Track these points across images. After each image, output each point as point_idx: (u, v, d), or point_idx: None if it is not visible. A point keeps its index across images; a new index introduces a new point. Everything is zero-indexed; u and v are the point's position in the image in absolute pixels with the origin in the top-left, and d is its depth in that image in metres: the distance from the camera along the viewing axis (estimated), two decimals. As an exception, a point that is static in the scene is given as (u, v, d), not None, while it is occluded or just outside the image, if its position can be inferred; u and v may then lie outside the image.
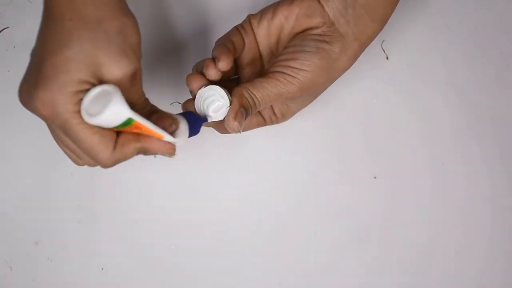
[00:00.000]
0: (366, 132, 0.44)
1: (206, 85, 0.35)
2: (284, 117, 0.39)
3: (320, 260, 0.42)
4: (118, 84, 0.29)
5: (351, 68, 0.37)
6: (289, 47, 0.36)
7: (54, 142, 0.44)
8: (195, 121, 0.34)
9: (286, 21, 0.36)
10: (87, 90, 0.28)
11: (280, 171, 0.44)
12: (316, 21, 0.35)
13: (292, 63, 0.35)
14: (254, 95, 0.35)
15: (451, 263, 0.42)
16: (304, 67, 0.34)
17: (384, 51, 0.45)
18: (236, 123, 0.35)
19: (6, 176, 0.44)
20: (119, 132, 0.30)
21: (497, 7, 0.46)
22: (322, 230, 0.43)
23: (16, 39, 0.46)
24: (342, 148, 0.44)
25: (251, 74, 0.39)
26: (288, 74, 0.35)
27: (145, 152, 0.32)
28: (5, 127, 0.45)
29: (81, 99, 0.28)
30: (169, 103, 0.43)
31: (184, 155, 0.44)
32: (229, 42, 0.36)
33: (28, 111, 0.30)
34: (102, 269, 0.43)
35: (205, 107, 0.35)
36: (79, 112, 0.28)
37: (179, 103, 0.36)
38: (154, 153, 0.32)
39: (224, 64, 0.34)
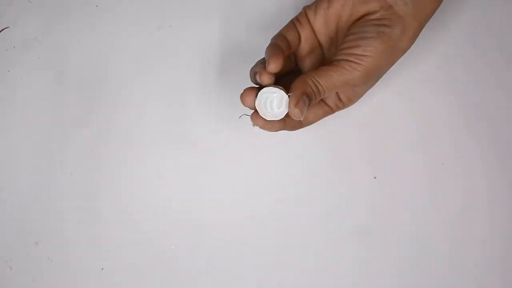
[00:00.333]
0: (366, 132, 0.44)
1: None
2: (351, 101, 0.40)
3: (320, 260, 0.42)
4: None
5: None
6: (350, 35, 0.36)
7: (54, 141, 0.45)
8: None
9: (343, 9, 0.37)
10: None
11: (280, 171, 0.44)
12: (373, 5, 0.36)
13: (355, 51, 0.35)
14: (319, 82, 0.35)
15: (451, 263, 0.42)
16: (367, 53, 0.35)
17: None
18: (297, 110, 0.35)
19: (6, 176, 0.44)
20: None
21: (497, 7, 0.46)
22: (322, 229, 0.43)
23: (16, 39, 0.46)
24: (342, 148, 0.44)
25: (311, 64, 0.40)
26: (353, 62, 0.35)
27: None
28: (5, 127, 0.45)
29: None
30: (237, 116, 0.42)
31: (184, 155, 0.44)
32: (282, 39, 0.37)
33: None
34: (102, 269, 0.43)
35: (268, 108, 0.36)
36: None
37: (247, 115, 0.37)
38: None
39: (274, 67, 0.35)
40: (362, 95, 0.40)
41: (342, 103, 0.40)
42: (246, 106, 0.37)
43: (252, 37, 0.46)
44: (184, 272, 0.43)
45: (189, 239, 0.43)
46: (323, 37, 0.39)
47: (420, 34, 0.43)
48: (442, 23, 0.45)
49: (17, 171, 0.44)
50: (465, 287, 0.42)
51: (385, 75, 0.40)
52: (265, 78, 0.35)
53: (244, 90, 0.36)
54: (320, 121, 0.44)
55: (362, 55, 0.35)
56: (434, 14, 0.38)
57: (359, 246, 0.43)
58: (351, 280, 0.42)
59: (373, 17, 0.36)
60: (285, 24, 0.39)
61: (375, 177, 0.43)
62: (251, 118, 0.37)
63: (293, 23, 0.39)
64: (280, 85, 0.36)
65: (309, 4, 0.39)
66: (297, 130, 0.42)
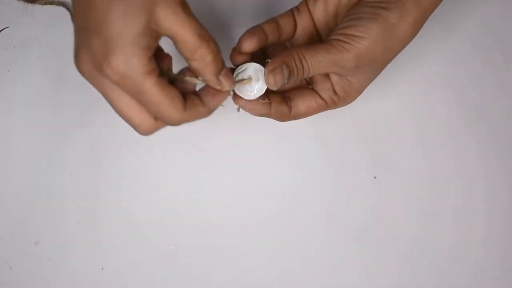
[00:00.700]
0: (366, 132, 0.44)
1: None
2: (348, 95, 0.37)
3: (319, 260, 0.42)
4: (176, 26, 0.29)
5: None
6: (346, 16, 0.35)
7: (54, 142, 0.45)
8: None
9: None
10: (154, 41, 0.29)
11: (280, 171, 0.44)
12: None
13: (347, 31, 0.33)
14: (304, 57, 0.33)
15: (451, 263, 0.42)
16: (359, 33, 0.33)
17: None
18: (271, 76, 0.33)
19: (6, 176, 0.44)
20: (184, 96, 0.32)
21: (497, 7, 0.46)
22: (321, 229, 0.43)
23: (16, 39, 0.46)
24: (342, 148, 0.44)
25: None
26: (344, 41, 0.33)
27: (210, 111, 0.34)
28: (5, 127, 0.45)
29: (150, 56, 0.29)
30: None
31: (184, 155, 0.44)
32: (271, 23, 0.36)
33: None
34: (102, 269, 0.43)
35: (246, 86, 0.34)
36: (151, 72, 0.29)
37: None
38: (217, 105, 0.34)
39: (245, 45, 0.34)
40: (359, 89, 0.37)
41: (338, 97, 0.37)
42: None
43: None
44: (184, 272, 0.42)
45: (189, 239, 0.43)
46: (322, 26, 0.38)
47: (420, 34, 0.43)
48: (442, 23, 0.45)
49: (17, 171, 0.44)
50: (464, 286, 0.42)
51: (385, 74, 0.40)
52: (237, 57, 0.34)
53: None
54: (320, 121, 0.44)
55: (354, 35, 0.33)
56: (434, 14, 0.37)
57: (359, 245, 0.42)
58: (351, 280, 0.42)
59: None
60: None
61: (375, 177, 0.43)
62: (232, 99, 0.35)
63: (291, 11, 0.38)
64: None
65: None
66: (297, 129, 0.42)
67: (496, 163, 0.43)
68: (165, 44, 0.31)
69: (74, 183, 0.44)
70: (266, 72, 0.34)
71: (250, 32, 0.35)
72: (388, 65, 0.37)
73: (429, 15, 0.34)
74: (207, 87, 0.34)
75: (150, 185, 0.44)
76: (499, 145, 0.44)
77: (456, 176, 0.43)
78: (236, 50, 0.35)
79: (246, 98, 0.35)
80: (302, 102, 0.37)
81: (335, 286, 0.42)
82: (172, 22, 0.29)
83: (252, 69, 0.34)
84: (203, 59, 0.31)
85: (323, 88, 0.37)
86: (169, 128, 0.37)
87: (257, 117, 0.36)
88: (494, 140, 0.44)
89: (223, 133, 0.44)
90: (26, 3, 0.46)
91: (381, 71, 0.37)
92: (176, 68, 0.34)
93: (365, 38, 0.32)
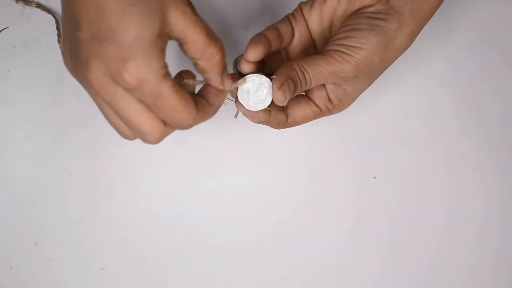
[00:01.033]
0: (366, 132, 0.44)
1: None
2: (342, 103, 0.37)
3: (319, 260, 0.42)
4: (186, 27, 0.29)
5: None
6: (343, 27, 0.35)
7: (54, 142, 0.45)
8: None
9: (339, 3, 0.36)
10: (165, 44, 0.29)
11: (280, 171, 0.44)
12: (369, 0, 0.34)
13: (346, 41, 0.33)
14: (306, 70, 0.34)
15: (450, 263, 0.42)
16: (359, 44, 0.33)
17: (384, 51, 0.45)
18: (280, 93, 0.33)
19: (6, 176, 0.44)
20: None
21: (497, 7, 0.46)
22: (321, 229, 0.43)
23: (16, 39, 0.46)
24: (342, 148, 0.44)
25: None
26: (343, 52, 0.33)
27: (215, 111, 0.34)
28: (5, 127, 0.45)
29: (164, 59, 0.29)
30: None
31: (184, 155, 0.44)
32: (273, 30, 0.36)
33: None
34: (102, 269, 0.43)
35: (251, 97, 0.34)
36: (167, 75, 0.29)
37: (231, 99, 0.36)
38: (221, 104, 0.34)
39: (251, 55, 0.34)
40: (353, 97, 0.37)
41: (332, 105, 0.37)
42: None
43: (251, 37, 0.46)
44: (184, 272, 0.42)
45: (189, 240, 0.43)
46: (317, 35, 0.38)
47: (420, 34, 0.43)
48: (442, 23, 0.45)
49: (17, 171, 0.44)
50: (464, 286, 0.42)
51: (385, 74, 0.40)
52: (245, 66, 0.34)
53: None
54: (320, 121, 0.44)
55: (353, 46, 0.33)
56: (435, 14, 0.37)
57: (359, 245, 0.42)
58: (351, 280, 0.42)
59: (368, 10, 0.34)
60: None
61: (375, 177, 0.43)
62: (236, 105, 0.36)
63: (288, 18, 0.37)
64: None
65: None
66: (296, 130, 0.42)
67: (496, 163, 0.43)
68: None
69: (74, 183, 0.44)
70: (274, 89, 0.34)
71: (256, 40, 0.35)
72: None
73: (424, 25, 0.35)
74: (207, 88, 0.34)
75: (150, 185, 0.44)
76: (499, 145, 0.44)
77: (456, 176, 0.43)
78: (243, 59, 0.35)
79: (249, 109, 0.35)
80: (298, 110, 0.37)
81: (335, 286, 0.42)
82: (183, 23, 0.29)
83: (257, 82, 0.34)
84: (211, 58, 0.31)
85: (318, 96, 0.37)
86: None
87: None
88: (494, 140, 0.44)
89: (224, 133, 0.44)
90: (22, 4, 0.46)
91: (375, 79, 0.37)
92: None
93: (365, 49, 0.33)
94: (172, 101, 0.29)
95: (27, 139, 0.45)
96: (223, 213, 0.43)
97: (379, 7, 0.34)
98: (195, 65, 0.32)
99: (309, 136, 0.44)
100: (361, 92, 0.37)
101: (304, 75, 0.34)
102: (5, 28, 0.46)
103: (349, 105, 0.38)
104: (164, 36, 0.29)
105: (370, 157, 0.44)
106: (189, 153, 0.44)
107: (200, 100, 0.33)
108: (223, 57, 0.32)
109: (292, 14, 0.38)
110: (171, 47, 0.30)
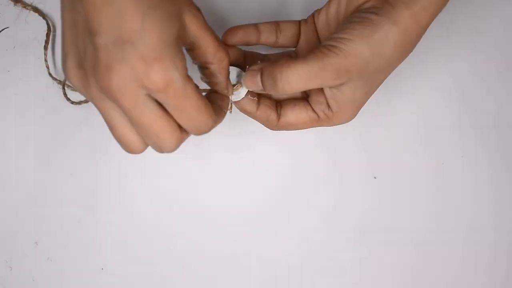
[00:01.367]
0: (366, 132, 0.44)
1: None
2: (341, 109, 0.35)
3: (320, 260, 0.42)
4: (199, 30, 0.30)
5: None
6: (339, 26, 0.34)
7: (54, 142, 0.45)
8: None
9: (339, 5, 0.35)
10: (182, 46, 0.29)
11: (280, 171, 0.44)
12: None
13: (335, 35, 0.32)
14: (281, 70, 0.32)
15: (450, 263, 0.42)
16: (347, 35, 0.31)
17: (384, 51, 0.45)
18: (249, 78, 0.34)
19: (6, 176, 0.44)
20: None
21: (497, 8, 0.46)
22: (321, 229, 0.43)
23: (16, 39, 0.46)
24: (342, 148, 0.44)
25: None
26: (331, 45, 0.32)
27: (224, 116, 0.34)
28: (5, 127, 0.45)
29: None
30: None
31: (184, 155, 0.44)
32: (271, 24, 0.37)
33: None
34: (102, 269, 0.43)
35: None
36: (189, 77, 0.29)
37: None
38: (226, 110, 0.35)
39: (228, 37, 0.36)
40: (353, 102, 0.35)
41: (331, 112, 0.35)
42: None
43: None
44: (184, 272, 0.42)
45: (189, 239, 0.43)
46: (325, 39, 0.37)
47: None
48: (442, 23, 0.45)
49: (17, 171, 0.44)
50: (464, 286, 0.42)
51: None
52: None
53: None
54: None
55: (341, 38, 0.31)
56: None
57: (359, 245, 0.43)
58: (351, 280, 0.42)
59: (364, 6, 0.33)
60: None
61: (375, 177, 0.43)
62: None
63: (298, 21, 0.38)
64: None
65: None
66: (296, 131, 0.42)
67: (496, 163, 0.43)
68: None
69: (74, 183, 0.44)
70: (244, 77, 0.34)
71: (237, 26, 0.36)
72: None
73: (426, 25, 0.33)
74: (213, 94, 0.35)
75: (150, 185, 0.44)
76: (499, 145, 0.44)
77: (456, 176, 0.43)
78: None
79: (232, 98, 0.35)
80: (291, 111, 0.36)
81: (335, 286, 0.42)
82: (197, 27, 0.30)
83: (234, 73, 0.35)
84: (221, 62, 0.32)
85: (316, 101, 0.36)
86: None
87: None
88: (494, 140, 0.44)
89: (224, 133, 0.44)
90: (20, 6, 0.46)
91: (377, 83, 0.35)
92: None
93: (352, 40, 0.31)
94: (196, 102, 0.29)
95: (27, 139, 0.45)
96: (223, 213, 0.43)
97: (374, 2, 0.33)
98: (204, 69, 0.33)
99: (309, 136, 0.44)
100: (362, 97, 0.35)
101: (281, 74, 0.32)
102: (5, 28, 0.46)
103: (352, 113, 0.36)
104: (181, 39, 0.29)
105: (370, 157, 0.44)
106: (189, 153, 0.44)
107: (212, 104, 0.33)
108: (229, 61, 0.33)
109: (305, 19, 0.38)
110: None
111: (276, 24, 0.37)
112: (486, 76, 0.45)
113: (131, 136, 0.31)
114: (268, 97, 0.37)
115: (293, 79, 0.32)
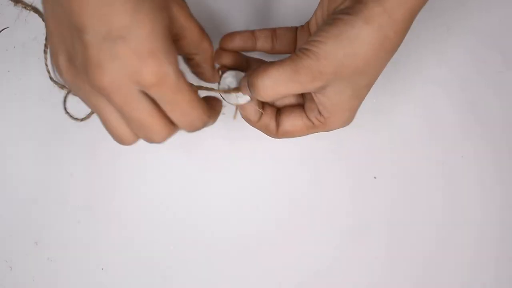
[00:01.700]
0: (366, 132, 0.44)
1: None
2: (331, 114, 0.34)
3: (319, 260, 0.42)
4: (186, 21, 0.30)
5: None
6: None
7: (54, 142, 0.45)
8: None
9: (323, 9, 0.35)
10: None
11: (280, 172, 0.44)
12: None
13: (310, 38, 0.32)
14: (258, 77, 0.32)
15: (450, 263, 0.42)
16: (318, 38, 0.31)
17: (384, 51, 0.45)
18: (241, 85, 0.34)
19: (6, 176, 0.44)
20: None
21: (497, 8, 0.46)
22: (321, 229, 0.43)
23: (16, 39, 0.46)
24: (342, 148, 0.44)
25: None
26: (305, 48, 0.31)
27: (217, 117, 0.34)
28: (5, 127, 0.45)
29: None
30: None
31: (184, 155, 0.44)
32: (268, 30, 0.37)
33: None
34: (102, 269, 0.43)
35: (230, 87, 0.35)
36: (180, 70, 0.28)
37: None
38: (218, 115, 0.34)
39: (225, 43, 0.36)
40: (341, 106, 0.34)
41: (323, 118, 0.35)
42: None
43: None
44: (184, 272, 0.42)
45: (189, 240, 0.43)
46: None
47: (420, 34, 0.43)
48: (441, 23, 0.45)
49: (17, 171, 0.44)
50: (464, 285, 0.42)
51: (385, 74, 0.40)
52: (220, 55, 0.36)
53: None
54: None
55: (313, 41, 0.31)
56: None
57: (359, 246, 0.43)
58: (351, 280, 0.42)
59: (339, 7, 0.33)
60: None
61: (375, 177, 0.43)
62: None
63: (295, 27, 0.38)
64: None
65: None
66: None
67: (496, 163, 0.43)
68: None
69: (74, 183, 0.44)
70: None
71: (234, 32, 0.36)
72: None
73: (404, 20, 0.31)
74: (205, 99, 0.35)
75: (150, 185, 0.44)
76: (499, 145, 0.44)
77: (456, 176, 0.43)
78: (219, 49, 0.36)
79: (232, 102, 0.35)
80: (288, 119, 0.36)
81: (335, 286, 0.42)
82: (183, 17, 0.30)
83: (234, 77, 0.35)
84: (206, 52, 0.32)
85: (309, 108, 0.36)
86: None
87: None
88: (494, 140, 0.44)
89: (224, 133, 0.44)
90: (20, 7, 0.46)
91: (362, 85, 0.34)
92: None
93: (324, 42, 0.31)
94: (189, 96, 0.29)
95: (27, 139, 0.45)
96: (223, 214, 0.43)
97: (347, 3, 0.32)
98: (190, 60, 0.33)
99: (309, 136, 0.44)
100: (349, 100, 0.34)
101: (257, 80, 0.32)
102: (5, 28, 0.46)
103: (343, 118, 0.35)
104: (171, 31, 0.29)
105: (370, 157, 0.44)
106: (189, 153, 0.44)
107: (205, 100, 0.33)
108: (213, 51, 0.33)
109: (302, 25, 0.38)
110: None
111: (273, 31, 0.37)
112: (486, 76, 0.45)
113: (123, 129, 0.30)
114: (269, 105, 0.37)
115: (269, 84, 0.32)
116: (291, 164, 0.44)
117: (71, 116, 0.44)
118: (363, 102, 0.42)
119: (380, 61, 0.32)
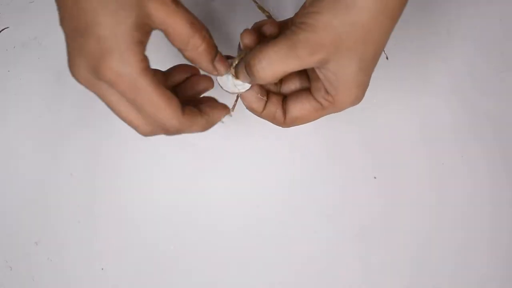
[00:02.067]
0: (366, 132, 0.44)
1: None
2: (338, 92, 0.33)
3: (319, 260, 0.42)
4: (167, 17, 0.29)
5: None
6: None
7: (54, 142, 0.45)
8: None
9: None
10: (146, 36, 0.28)
11: (280, 171, 0.44)
12: None
13: (305, 10, 0.30)
14: (262, 54, 0.31)
15: (450, 263, 0.42)
16: (314, 8, 0.29)
17: (384, 51, 0.45)
18: (239, 71, 0.33)
19: (6, 176, 0.44)
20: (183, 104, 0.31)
21: (497, 8, 0.46)
22: (321, 229, 0.43)
23: (16, 39, 0.46)
24: (342, 148, 0.44)
25: None
26: (300, 22, 0.30)
27: (208, 123, 0.33)
28: (5, 127, 0.45)
29: (143, 52, 0.28)
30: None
31: (184, 155, 0.44)
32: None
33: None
34: (102, 269, 0.43)
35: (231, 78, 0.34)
36: (147, 69, 0.28)
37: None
38: (216, 118, 0.33)
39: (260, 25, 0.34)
40: (348, 82, 0.32)
41: (331, 97, 0.33)
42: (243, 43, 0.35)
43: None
44: (184, 272, 0.42)
45: (189, 239, 0.43)
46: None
47: (420, 34, 0.43)
48: (442, 23, 0.45)
49: (17, 171, 0.44)
50: (464, 285, 0.42)
51: (385, 74, 0.40)
52: (246, 37, 0.34)
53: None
54: (320, 121, 0.44)
55: (308, 12, 0.30)
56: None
57: (359, 245, 0.43)
58: (350, 280, 0.42)
59: None
60: None
61: (375, 177, 0.43)
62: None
63: None
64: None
65: None
66: (296, 129, 0.42)
67: (496, 163, 0.43)
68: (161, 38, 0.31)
69: (74, 183, 0.44)
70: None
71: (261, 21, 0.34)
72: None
73: None
74: (204, 98, 0.34)
75: (150, 185, 0.44)
76: (499, 144, 0.44)
77: (456, 176, 0.43)
78: (246, 31, 0.34)
79: (229, 91, 0.34)
80: (295, 105, 0.35)
81: (335, 286, 0.42)
82: (164, 14, 0.28)
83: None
84: (196, 48, 0.30)
85: (316, 88, 0.34)
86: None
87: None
88: (494, 140, 0.44)
89: (224, 133, 0.44)
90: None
91: (367, 57, 0.32)
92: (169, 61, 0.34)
93: (319, 12, 0.29)
94: (151, 97, 0.28)
95: (27, 139, 0.45)
96: (223, 213, 0.43)
97: None
98: (183, 55, 0.32)
99: (309, 136, 0.44)
100: (355, 75, 0.32)
101: (254, 60, 0.31)
102: (5, 28, 0.46)
103: (352, 95, 0.33)
104: (143, 28, 0.28)
105: (370, 157, 0.44)
106: (189, 153, 0.44)
107: (190, 108, 0.32)
108: (209, 45, 0.31)
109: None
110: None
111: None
112: (486, 77, 0.45)
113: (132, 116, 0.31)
114: (275, 94, 0.36)
115: (266, 64, 0.31)
116: (291, 164, 0.44)
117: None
118: (364, 102, 0.42)
119: (381, 29, 0.31)
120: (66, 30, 0.29)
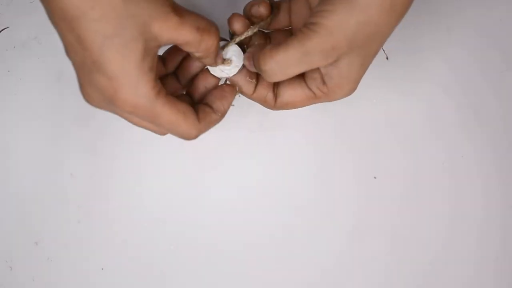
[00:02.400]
0: (366, 132, 0.44)
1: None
2: (337, 86, 0.32)
3: (319, 260, 0.42)
4: (174, 33, 0.29)
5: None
6: None
7: (54, 142, 0.45)
8: None
9: None
10: (155, 58, 0.29)
11: (280, 171, 0.44)
12: None
13: (317, 8, 0.29)
14: (274, 60, 0.31)
15: (450, 263, 0.42)
16: (327, 7, 0.28)
17: (384, 51, 0.45)
18: (246, 63, 0.34)
19: (6, 176, 0.44)
20: (195, 106, 0.33)
21: (497, 8, 0.46)
22: (321, 229, 0.43)
23: (16, 39, 0.46)
24: (342, 148, 0.44)
25: None
26: (312, 22, 0.29)
27: (223, 115, 0.34)
28: (5, 127, 0.45)
29: (155, 76, 0.29)
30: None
31: (185, 155, 0.44)
32: (283, 2, 0.36)
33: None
34: (102, 269, 0.43)
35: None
36: (159, 93, 0.29)
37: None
38: (227, 108, 0.34)
39: (249, 6, 0.34)
40: (350, 78, 0.32)
41: (327, 88, 0.33)
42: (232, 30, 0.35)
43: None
44: (184, 272, 0.42)
45: (189, 239, 0.43)
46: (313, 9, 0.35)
47: (420, 34, 0.43)
48: (442, 23, 0.45)
49: (17, 171, 0.44)
50: (465, 286, 0.42)
51: (385, 74, 0.40)
52: (234, 20, 0.34)
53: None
54: (320, 120, 0.44)
55: (320, 11, 0.29)
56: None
57: (359, 246, 0.43)
58: (350, 280, 0.42)
59: None
60: None
61: (375, 177, 0.43)
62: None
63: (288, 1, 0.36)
64: None
65: None
66: (296, 130, 0.42)
67: (496, 163, 0.43)
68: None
69: (74, 183, 0.44)
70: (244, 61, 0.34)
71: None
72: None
73: None
74: (211, 94, 0.35)
75: (150, 185, 0.44)
76: (499, 145, 0.44)
77: (456, 176, 0.43)
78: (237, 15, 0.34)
79: (216, 75, 0.35)
80: (286, 90, 0.34)
81: (334, 286, 0.42)
82: (169, 30, 0.28)
83: (232, 51, 0.34)
84: (207, 50, 0.31)
85: (311, 77, 0.33)
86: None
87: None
88: (494, 140, 0.44)
89: (224, 133, 0.44)
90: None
91: (371, 54, 0.32)
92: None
93: (333, 11, 0.28)
94: (168, 117, 0.30)
95: (27, 139, 0.45)
96: (223, 213, 0.43)
97: None
98: (191, 54, 0.32)
99: (309, 136, 0.44)
100: (358, 71, 0.32)
101: (265, 62, 0.31)
102: (5, 28, 0.46)
103: (349, 89, 0.33)
104: (151, 51, 0.28)
105: (370, 157, 0.44)
106: (190, 153, 0.44)
107: (202, 108, 0.33)
108: (218, 43, 0.31)
109: None
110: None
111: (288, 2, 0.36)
112: (487, 76, 0.45)
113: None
114: None
115: (278, 69, 0.31)
116: (291, 164, 0.44)
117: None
118: (363, 101, 0.42)
119: (390, 25, 0.30)
120: (73, 61, 0.29)
